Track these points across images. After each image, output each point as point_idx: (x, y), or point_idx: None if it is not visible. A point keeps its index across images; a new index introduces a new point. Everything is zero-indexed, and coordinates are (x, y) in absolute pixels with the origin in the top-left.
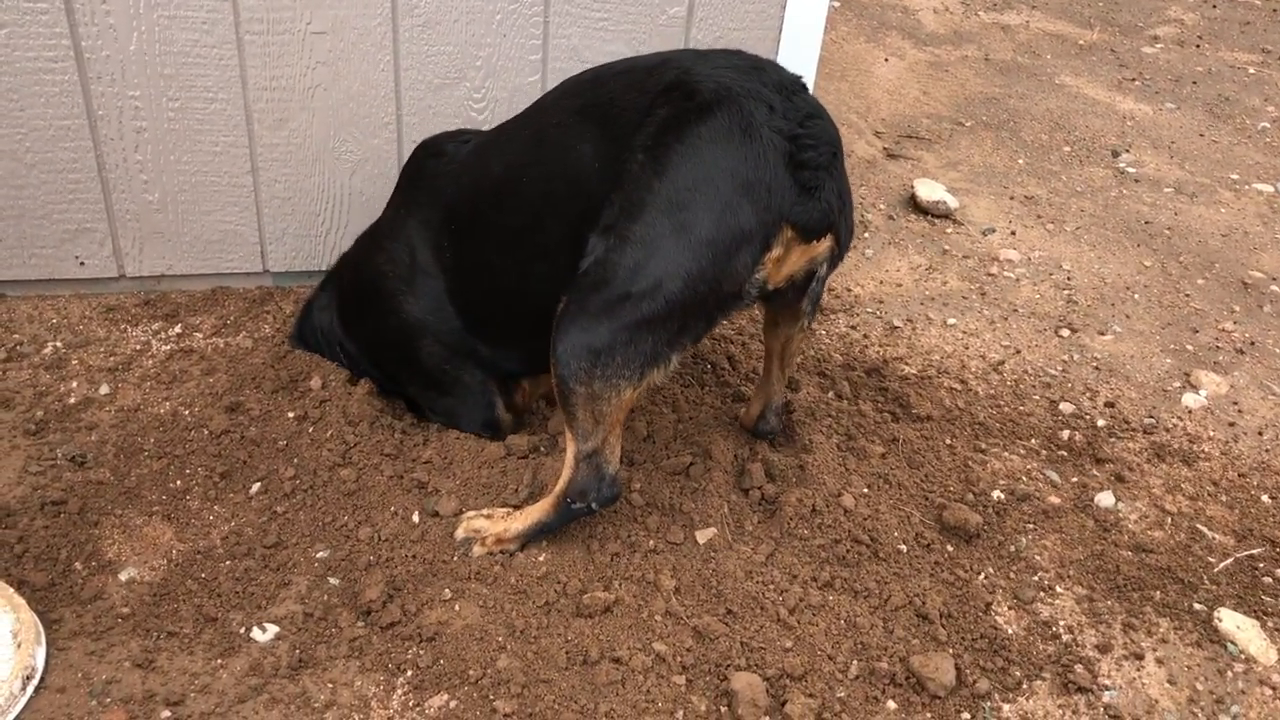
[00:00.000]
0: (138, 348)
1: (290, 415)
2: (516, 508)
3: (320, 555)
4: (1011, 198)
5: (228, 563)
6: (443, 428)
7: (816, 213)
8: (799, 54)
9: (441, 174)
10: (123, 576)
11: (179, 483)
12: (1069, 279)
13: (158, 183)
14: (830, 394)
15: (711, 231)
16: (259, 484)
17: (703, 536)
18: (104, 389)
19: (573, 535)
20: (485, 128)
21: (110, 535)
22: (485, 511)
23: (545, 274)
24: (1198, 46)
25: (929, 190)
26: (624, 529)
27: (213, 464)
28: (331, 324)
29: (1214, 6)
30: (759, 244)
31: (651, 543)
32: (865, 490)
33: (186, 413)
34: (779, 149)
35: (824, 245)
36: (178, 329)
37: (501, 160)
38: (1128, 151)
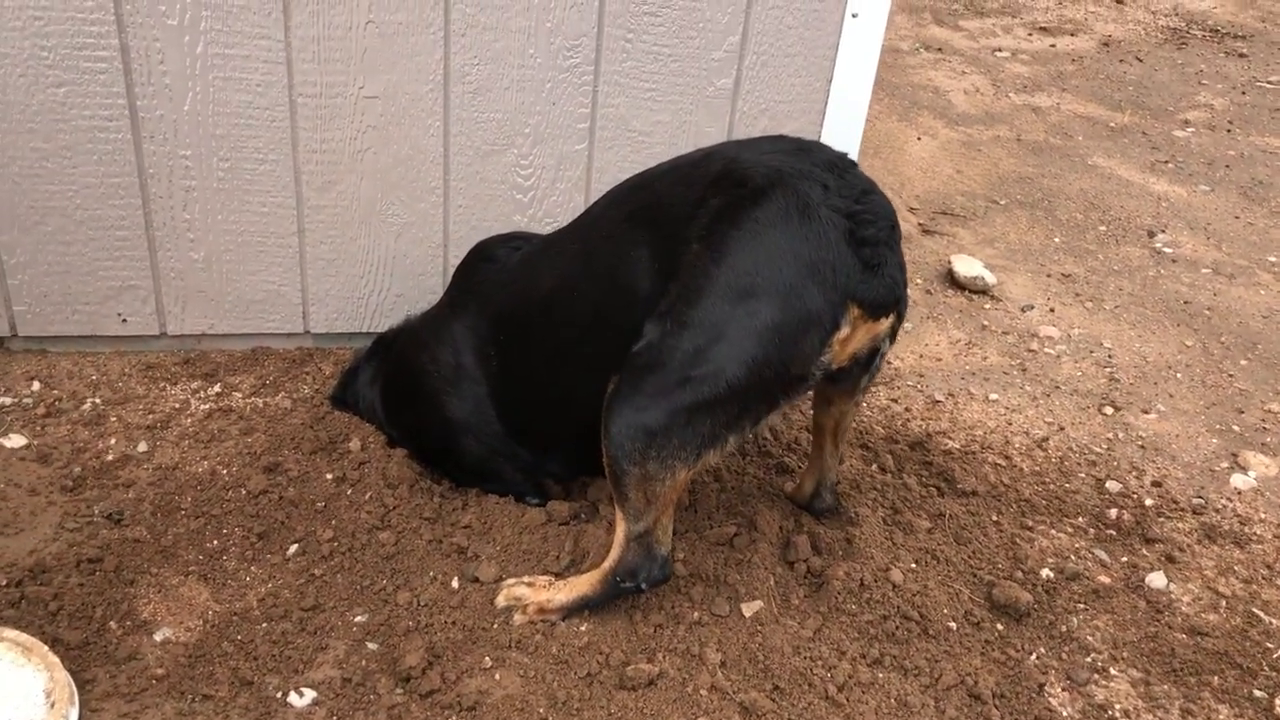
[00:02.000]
0: (176, 406)
1: (329, 477)
2: (558, 576)
3: (358, 619)
4: (1049, 275)
5: (264, 625)
6: (482, 492)
7: (882, 288)
8: (844, 130)
9: (491, 280)
10: (157, 637)
11: (215, 542)
12: (1110, 357)
13: (204, 241)
14: (874, 466)
15: (777, 316)
16: (296, 545)
17: (749, 609)
18: (142, 446)
19: (615, 605)
20: (536, 197)
21: (146, 594)
22: (527, 579)
23: (595, 388)
24: (1229, 131)
25: (966, 266)
26: (668, 600)
27: (250, 524)
28: (374, 403)
29: (1243, 93)
30: (828, 325)
31: (696, 614)
32: (913, 565)
33: (224, 472)
34: (839, 227)
35: (888, 321)
36: (217, 388)
37: (552, 273)
38: (1163, 232)
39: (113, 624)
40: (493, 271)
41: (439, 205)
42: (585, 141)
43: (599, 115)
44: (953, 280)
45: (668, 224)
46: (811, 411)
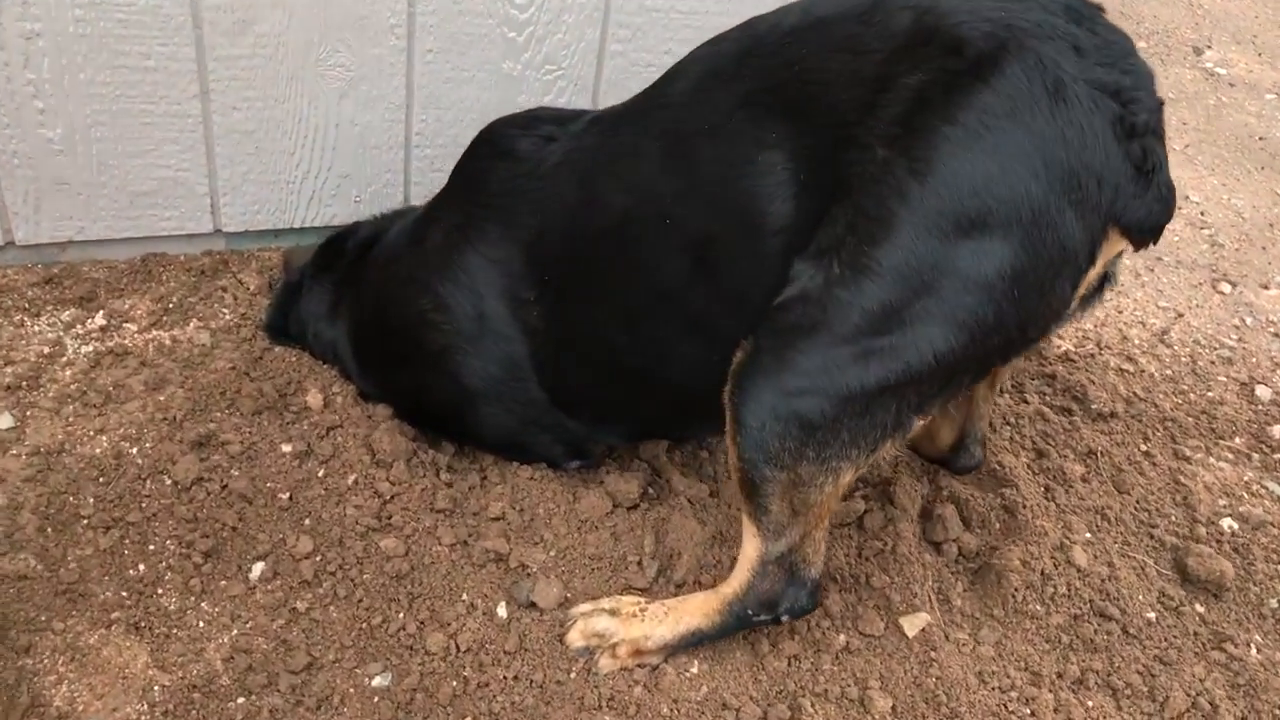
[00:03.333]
0: (46, 351)
1: (286, 451)
2: (646, 594)
3: (377, 681)
4: None
5: (239, 700)
6: (502, 463)
7: (1157, 205)
8: None
9: (521, 192)
10: None
11: (142, 568)
12: (1202, 214)
13: (60, 112)
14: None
15: (1018, 257)
16: (262, 565)
17: (910, 626)
18: (4, 420)
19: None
20: (535, 36)
21: (51, 666)
22: (607, 604)
23: (698, 353)
24: None
25: None
26: (800, 618)
27: (187, 534)
28: (334, 343)
29: None
30: (1083, 263)
31: (843, 638)
32: (1088, 536)
33: (134, 452)
34: (1105, 113)
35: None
36: (99, 319)
37: (620, 184)
38: (1210, 48)
39: None
40: (520, 177)
41: (400, 50)
42: None
43: None
44: None
45: (822, 114)
46: None
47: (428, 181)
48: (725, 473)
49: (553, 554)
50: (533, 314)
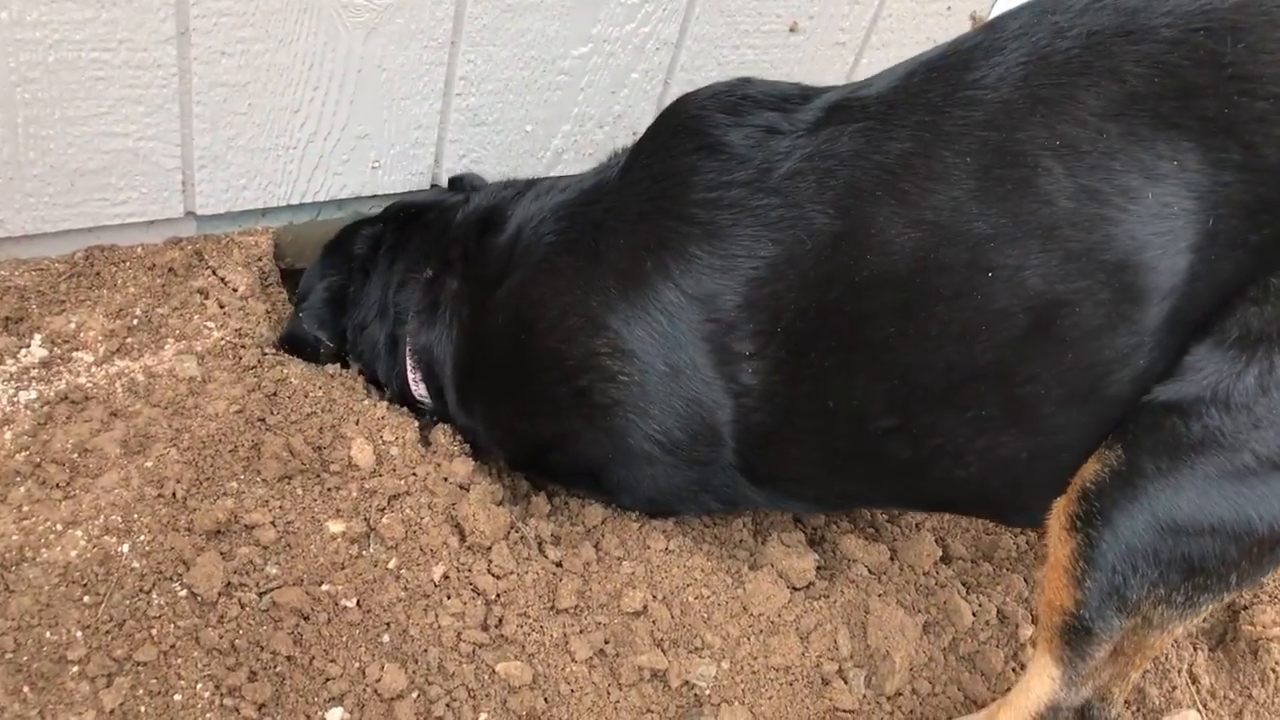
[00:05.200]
0: None
1: (337, 532)
2: (853, 714)
3: None
4: None
5: None
6: (618, 525)
7: None
8: None
9: (737, 204)
10: None
11: None
12: None
13: None
14: None
15: None
16: (341, 711)
17: None
18: None
19: None
20: None
21: None
22: None
23: (1000, 453)
24: None
25: None
26: None
27: (226, 674)
28: (431, 348)
29: None
30: None
31: None
32: None
33: (126, 550)
34: None
35: None
36: (37, 347)
37: (909, 218)
38: None
39: None
40: (738, 185)
41: None
42: None
43: None
44: None
45: (1265, 140)
46: None
47: (466, 139)
48: (900, 529)
49: (726, 666)
50: (746, 371)
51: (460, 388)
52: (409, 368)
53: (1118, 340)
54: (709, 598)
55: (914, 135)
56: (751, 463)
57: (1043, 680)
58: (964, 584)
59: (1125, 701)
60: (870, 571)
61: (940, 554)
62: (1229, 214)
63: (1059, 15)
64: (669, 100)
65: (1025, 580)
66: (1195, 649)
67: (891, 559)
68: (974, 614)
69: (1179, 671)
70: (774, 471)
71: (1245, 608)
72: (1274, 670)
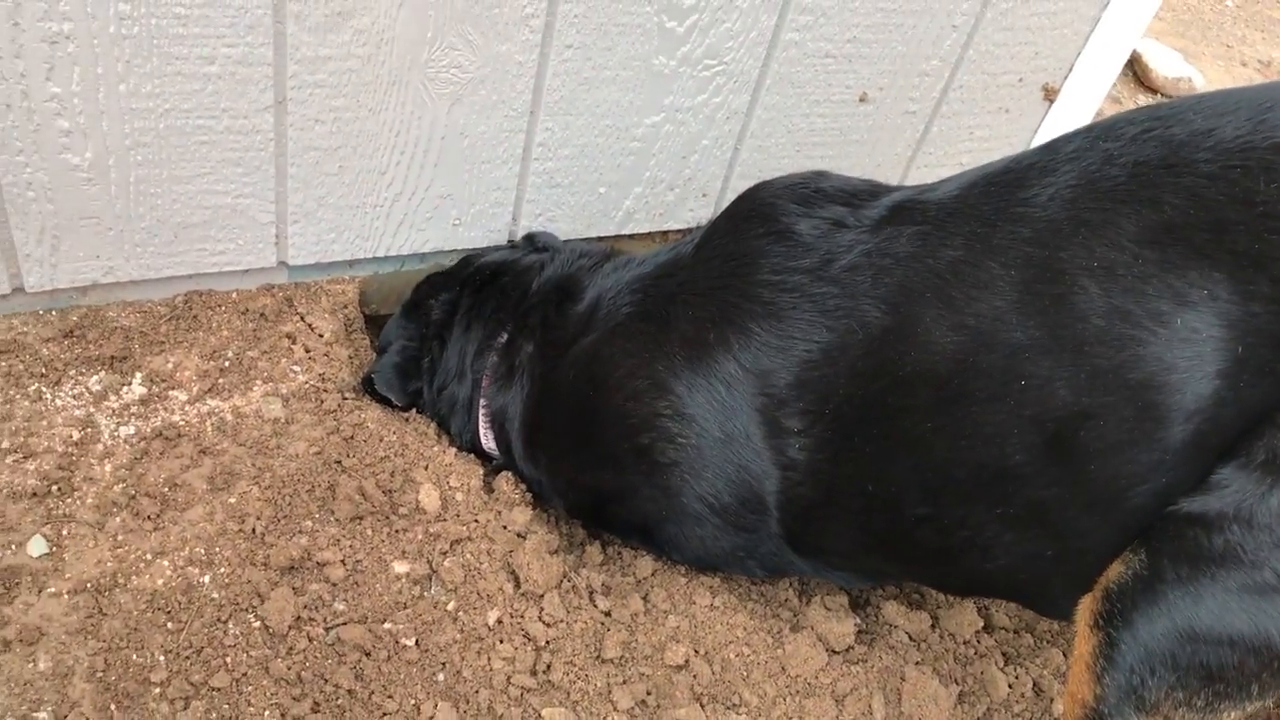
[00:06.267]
0: (74, 435)
1: (401, 573)
2: None
3: None
4: (1243, 64)
5: None
6: (667, 579)
7: None
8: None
9: (798, 289)
10: None
11: None
12: None
13: (91, 134)
14: None
15: None
16: None
17: None
18: (36, 545)
19: None
20: (699, 25)
21: None
22: None
23: (1024, 550)
24: None
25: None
26: None
27: (292, 704)
28: (506, 409)
29: None
30: None
31: None
32: None
33: (207, 581)
34: None
35: None
36: (137, 385)
37: (954, 322)
38: None
39: None
40: (801, 273)
41: (533, 46)
42: None
43: None
44: (1144, 84)
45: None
46: None
47: (543, 199)
48: (944, 597)
49: None
50: (794, 446)
51: (528, 440)
52: (482, 428)
53: (1140, 455)
54: (749, 656)
55: (966, 244)
56: (795, 533)
57: None
58: (1004, 655)
59: None
60: (910, 639)
61: (982, 624)
62: (1257, 343)
63: (1110, 143)
64: (739, 164)
65: (1064, 654)
66: None
67: (933, 627)
68: (1010, 685)
69: None
70: (816, 544)
71: None
72: None
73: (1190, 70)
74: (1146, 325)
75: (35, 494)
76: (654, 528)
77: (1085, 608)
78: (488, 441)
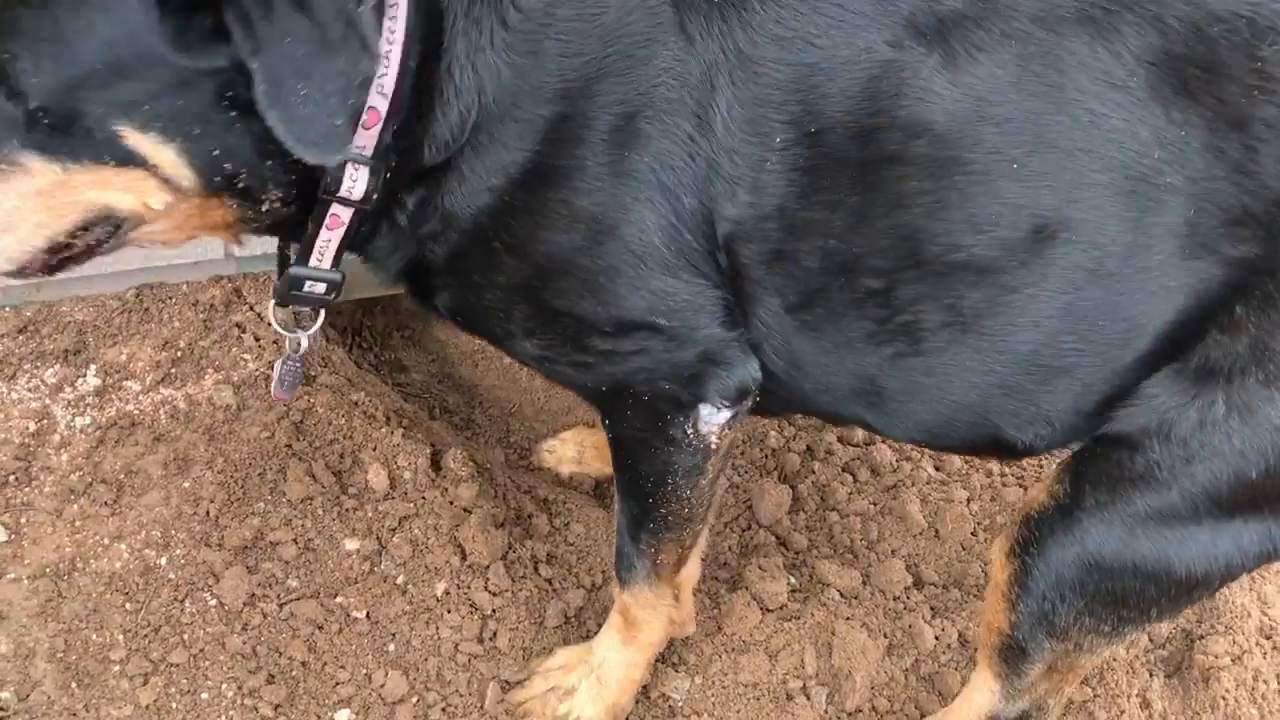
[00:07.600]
0: (31, 427)
1: (352, 550)
2: None
3: None
4: None
5: None
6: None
7: None
8: None
9: None
10: None
11: None
12: None
13: None
14: None
15: None
16: (348, 712)
17: None
18: None
19: None
20: None
21: None
22: None
23: (960, 359)
24: None
25: None
26: None
27: (248, 677)
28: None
29: None
30: None
31: None
32: None
33: (164, 563)
34: None
35: None
36: (92, 377)
37: (950, 79)
38: None
39: None
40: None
41: None
42: None
43: None
44: None
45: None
46: None
47: None
48: (876, 554)
49: (699, 681)
50: (769, 161)
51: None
52: None
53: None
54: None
55: (971, 28)
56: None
57: (983, 693)
58: (931, 609)
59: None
60: (842, 595)
61: (911, 580)
62: (1211, 208)
63: None
64: None
65: None
66: (1151, 675)
67: (864, 584)
68: (937, 637)
69: (1129, 697)
70: (750, 309)
71: (1200, 638)
72: (1224, 698)
73: None
74: (1127, 145)
75: None
76: (559, 293)
77: (1004, 535)
78: None
